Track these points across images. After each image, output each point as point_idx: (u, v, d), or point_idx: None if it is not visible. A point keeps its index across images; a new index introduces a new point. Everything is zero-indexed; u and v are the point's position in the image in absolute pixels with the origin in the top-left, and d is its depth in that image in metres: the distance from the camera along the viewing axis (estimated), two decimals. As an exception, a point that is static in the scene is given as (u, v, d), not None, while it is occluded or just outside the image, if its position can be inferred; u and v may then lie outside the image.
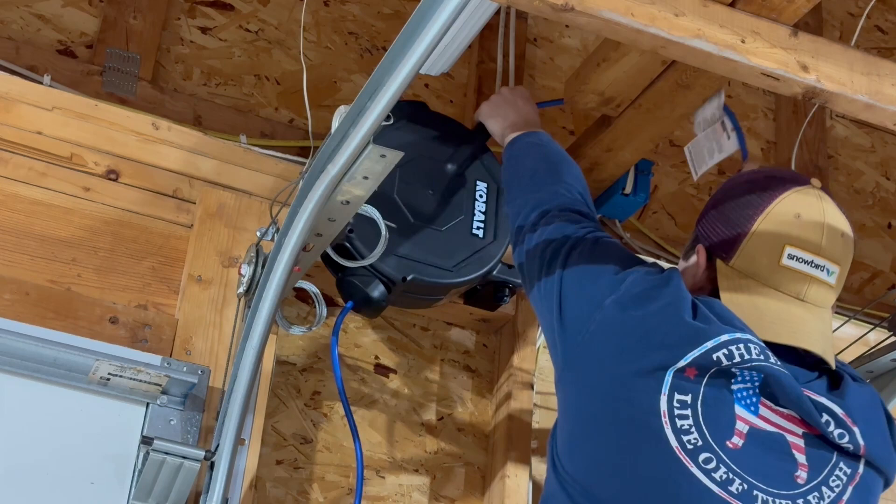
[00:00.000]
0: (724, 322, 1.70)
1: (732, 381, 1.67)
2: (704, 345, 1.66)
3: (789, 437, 1.68)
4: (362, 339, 2.46)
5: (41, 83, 2.33)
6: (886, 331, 2.27)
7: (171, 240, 2.26)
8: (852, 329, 2.47)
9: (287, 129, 2.63)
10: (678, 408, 1.64)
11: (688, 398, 1.65)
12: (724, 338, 1.67)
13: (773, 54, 1.94)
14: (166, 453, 1.95)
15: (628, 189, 2.67)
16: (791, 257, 1.74)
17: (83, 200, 2.22)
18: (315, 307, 2.31)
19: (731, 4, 1.95)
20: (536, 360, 2.49)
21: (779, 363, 1.69)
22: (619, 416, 1.66)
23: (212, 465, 2.01)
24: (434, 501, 2.39)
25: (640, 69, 2.37)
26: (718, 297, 1.76)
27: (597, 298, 1.74)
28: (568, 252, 1.84)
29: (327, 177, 1.83)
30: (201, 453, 1.97)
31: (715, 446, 1.64)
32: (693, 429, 1.64)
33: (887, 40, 3.45)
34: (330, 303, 2.42)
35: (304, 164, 2.36)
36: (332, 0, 2.81)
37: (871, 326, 2.50)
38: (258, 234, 2.12)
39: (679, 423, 1.64)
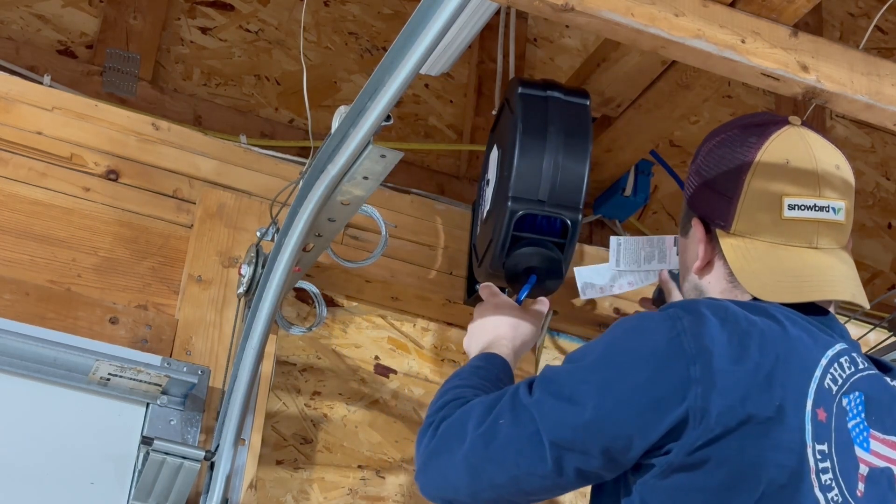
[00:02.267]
0: (798, 328, 1.50)
1: (847, 416, 1.49)
2: (814, 373, 1.47)
3: (895, 469, 1.52)
4: (362, 339, 2.46)
5: (41, 83, 2.33)
6: (886, 331, 2.27)
7: (171, 240, 2.26)
8: (852, 329, 2.46)
9: (287, 129, 2.63)
10: (820, 460, 1.45)
11: (825, 447, 1.45)
12: (829, 354, 1.49)
13: (773, 54, 1.94)
14: (166, 453, 1.95)
15: (628, 190, 2.68)
16: (792, 207, 1.59)
17: (83, 200, 2.22)
18: (315, 307, 2.31)
19: (731, 4, 1.95)
20: (536, 360, 2.49)
21: (865, 363, 1.53)
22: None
23: (212, 465, 2.01)
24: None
25: (640, 69, 2.37)
26: (727, 280, 1.61)
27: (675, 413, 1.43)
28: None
29: (327, 177, 1.83)
30: (201, 453, 1.97)
31: (851, 500, 1.46)
32: (833, 483, 1.46)
33: (887, 40, 3.45)
34: (330, 303, 2.42)
35: (304, 164, 2.36)
36: (332, 0, 2.81)
37: (871, 326, 2.50)
38: (258, 234, 2.12)
39: (823, 478, 1.45)
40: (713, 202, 1.64)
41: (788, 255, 1.58)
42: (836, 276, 1.58)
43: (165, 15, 2.62)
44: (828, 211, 1.60)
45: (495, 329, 1.95)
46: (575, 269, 2.42)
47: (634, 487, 1.46)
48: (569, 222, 2.23)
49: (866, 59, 1.99)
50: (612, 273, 2.43)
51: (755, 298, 1.58)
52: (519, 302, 2.21)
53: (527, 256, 2.21)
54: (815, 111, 3.15)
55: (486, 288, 2.08)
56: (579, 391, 1.47)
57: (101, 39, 2.53)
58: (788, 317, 1.52)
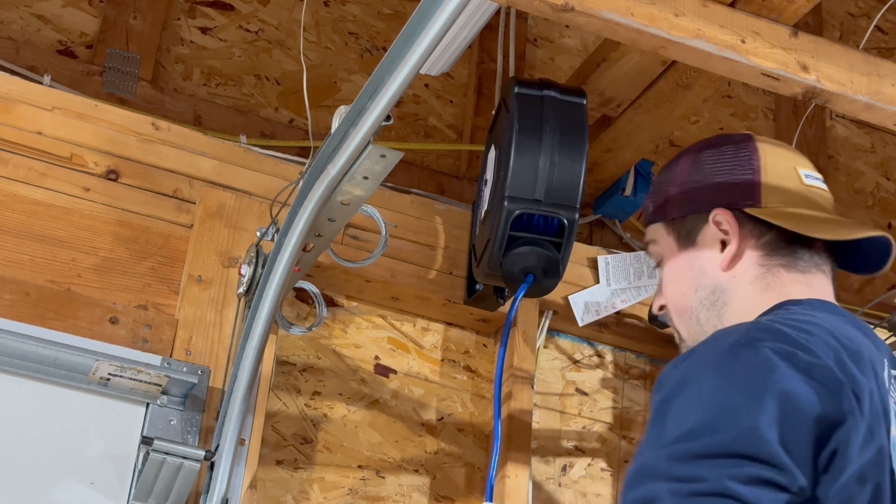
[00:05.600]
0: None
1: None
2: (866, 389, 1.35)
3: None
4: (362, 339, 2.46)
5: (41, 83, 2.33)
6: (886, 331, 2.27)
7: (171, 240, 2.26)
8: (852, 329, 2.46)
9: (287, 129, 2.63)
10: None
11: None
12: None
13: (773, 54, 1.94)
14: (166, 453, 1.95)
15: (628, 190, 2.68)
16: (807, 176, 1.61)
17: (83, 200, 2.22)
18: (315, 307, 2.31)
19: (731, 4, 1.95)
20: (536, 360, 2.49)
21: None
22: None
23: (212, 465, 2.01)
24: (434, 501, 2.39)
25: (640, 69, 2.37)
26: (760, 263, 1.53)
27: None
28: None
29: (327, 177, 1.83)
30: (201, 453, 1.97)
31: None
32: None
33: (887, 40, 3.45)
34: (330, 303, 2.42)
35: (304, 164, 2.36)
36: (332, 0, 2.81)
37: (871, 327, 2.50)
38: (258, 234, 2.12)
39: None
40: (732, 189, 1.58)
41: (822, 213, 1.59)
42: (863, 229, 1.58)
43: (165, 15, 2.62)
44: (825, 184, 1.64)
45: None
46: (569, 297, 2.43)
47: None
48: (565, 221, 2.23)
49: (866, 59, 1.99)
50: (605, 293, 2.45)
51: (797, 249, 1.54)
52: (516, 301, 2.21)
53: (523, 256, 2.21)
54: (814, 111, 3.15)
55: None
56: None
57: (101, 39, 2.53)
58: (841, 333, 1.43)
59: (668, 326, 2.50)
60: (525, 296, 2.19)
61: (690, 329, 1.58)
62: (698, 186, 1.61)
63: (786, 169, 1.60)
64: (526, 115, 2.24)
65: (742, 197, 1.57)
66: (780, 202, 1.57)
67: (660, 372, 1.41)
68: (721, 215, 1.56)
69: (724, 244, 1.56)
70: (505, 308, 2.44)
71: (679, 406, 1.31)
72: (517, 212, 2.20)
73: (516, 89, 2.27)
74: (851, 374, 1.33)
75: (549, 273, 2.21)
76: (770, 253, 1.55)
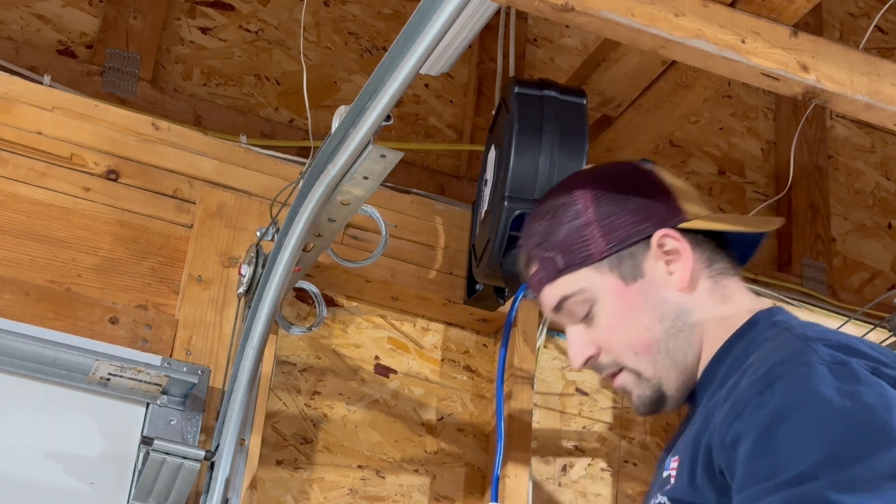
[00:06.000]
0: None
1: None
2: None
3: None
4: (362, 339, 2.46)
5: (41, 83, 2.33)
6: (886, 331, 2.27)
7: (171, 240, 2.26)
8: (852, 329, 2.47)
9: (287, 129, 2.63)
10: None
11: None
12: None
13: (773, 54, 1.94)
14: (166, 453, 1.95)
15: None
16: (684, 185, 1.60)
17: (83, 200, 2.22)
18: (315, 307, 2.31)
19: (731, 4, 1.95)
20: (536, 360, 2.49)
21: None
22: None
23: (212, 465, 2.01)
24: (434, 501, 2.39)
25: (640, 69, 2.37)
26: (707, 276, 1.50)
27: None
28: None
29: (327, 177, 1.83)
30: (201, 453, 1.97)
31: None
32: None
33: (887, 40, 3.45)
34: (330, 303, 2.42)
35: (304, 164, 2.36)
36: (332, 0, 2.81)
37: (871, 326, 2.50)
38: (258, 234, 2.12)
39: None
40: (656, 211, 1.52)
41: (733, 216, 1.57)
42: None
43: (165, 15, 2.62)
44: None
45: None
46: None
47: None
48: None
49: (866, 59, 1.99)
50: None
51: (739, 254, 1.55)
52: (516, 301, 2.22)
53: None
54: (814, 111, 3.15)
55: None
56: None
57: (101, 39, 2.53)
58: None
59: None
60: (524, 296, 2.19)
61: (657, 364, 1.49)
62: (617, 218, 1.52)
63: (677, 180, 1.57)
64: (526, 115, 2.24)
65: (670, 215, 1.53)
66: (696, 212, 1.54)
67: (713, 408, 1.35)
68: (665, 237, 1.51)
69: (668, 265, 1.51)
70: (505, 308, 2.44)
71: (791, 436, 1.23)
72: (517, 212, 2.20)
73: (516, 89, 2.27)
74: None
75: None
76: (710, 263, 1.53)
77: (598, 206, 1.53)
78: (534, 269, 1.56)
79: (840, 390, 1.25)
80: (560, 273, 1.53)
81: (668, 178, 1.58)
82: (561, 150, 2.23)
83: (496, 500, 2.23)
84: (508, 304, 2.43)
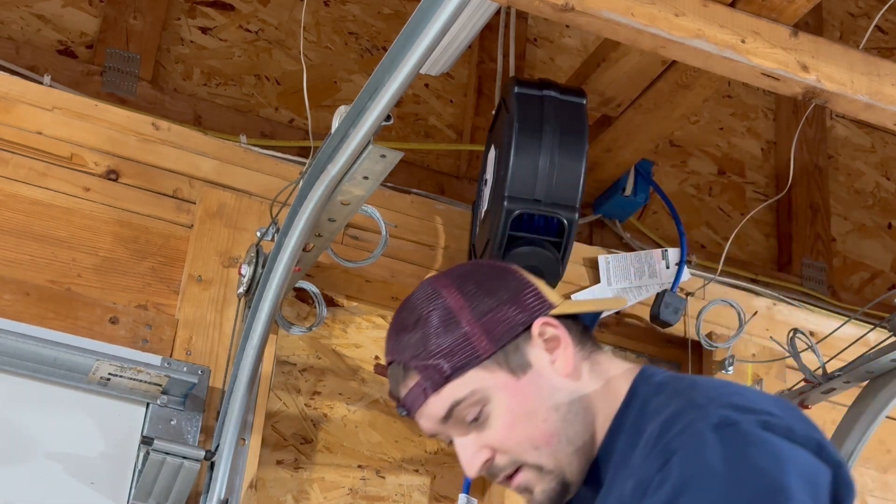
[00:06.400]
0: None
1: None
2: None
3: None
4: (362, 339, 2.46)
5: (41, 83, 2.33)
6: (886, 331, 2.27)
7: (171, 240, 2.26)
8: (852, 329, 2.47)
9: (287, 129, 2.63)
10: None
11: None
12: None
13: (773, 54, 1.94)
14: (166, 453, 1.95)
15: (628, 190, 2.68)
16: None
17: (83, 200, 2.22)
18: (315, 307, 2.31)
19: (731, 4, 1.95)
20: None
21: None
22: None
23: (212, 465, 2.01)
24: (434, 501, 2.39)
25: (640, 69, 2.37)
26: (583, 357, 1.50)
27: None
28: None
29: (327, 177, 1.83)
30: (201, 453, 1.97)
31: None
32: None
33: (887, 40, 3.45)
34: (330, 303, 2.42)
35: (304, 164, 2.36)
36: (332, 0, 2.81)
37: (871, 326, 2.50)
38: (258, 234, 2.12)
39: None
40: (527, 302, 1.50)
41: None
42: None
43: (165, 15, 2.62)
44: None
45: None
46: (571, 296, 2.43)
47: None
48: (565, 221, 2.23)
49: (866, 59, 1.99)
50: (605, 292, 2.45)
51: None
52: None
53: (523, 257, 2.21)
54: (814, 111, 3.15)
55: None
56: None
57: (101, 39, 2.53)
58: None
59: (670, 325, 2.51)
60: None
61: (558, 454, 1.46)
62: (494, 314, 1.48)
63: (526, 273, 1.55)
64: (526, 115, 2.24)
65: (539, 304, 1.50)
66: (556, 298, 1.52)
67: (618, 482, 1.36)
68: (546, 325, 1.48)
69: (550, 353, 1.48)
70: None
71: None
72: (517, 212, 2.20)
73: (516, 89, 2.27)
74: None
75: (548, 273, 2.22)
76: (582, 343, 1.51)
77: (472, 306, 1.48)
78: (413, 381, 1.48)
79: (731, 458, 1.25)
80: (448, 379, 1.46)
81: (521, 270, 1.56)
82: (561, 149, 2.23)
83: (468, 493, 2.23)
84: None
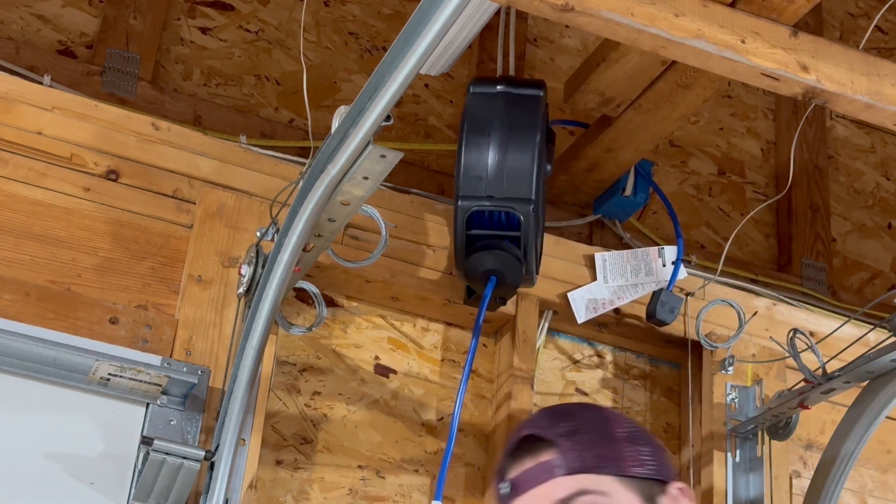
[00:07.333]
0: None
1: None
2: None
3: None
4: (362, 339, 2.46)
5: (41, 83, 2.33)
6: (886, 331, 2.27)
7: (171, 240, 2.26)
8: (852, 329, 2.46)
9: (287, 129, 2.63)
10: None
11: None
12: None
13: (773, 54, 1.94)
14: (166, 453, 1.95)
15: (628, 190, 2.68)
16: None
17: (83, 200, 2.22)
18: (315, 307, 2.31)
19: (731, 4, 1.95)
20: (536, 360, 2.49)
21: None
22: None
23: (212, 465, 2.01)
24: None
25: (640, 69, 2.37)
26: None
27: None
28: None
29: (327, 177, 1.83)
30: (201, 453, 1.97)
31: None
32: None
33: (887, 40, 3.45)
34: (330, 303, 2.42)
35: (304, 164, 2.36)
36: (332, 0, 2.81)
37: (871, 326, 2.50)
38: (258, 234, 2.12)
39: None
40: (667, 463, 1.60)
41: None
42: None
43: (165, 15, 2.62)
44: None
45: None
46: (568, 294, 2.44)
47: None
48: (520, 216, 2.23)
49: (866, 59, 2.00)
50: (602, 290, 2.45)
51: None
52: (484, 303, 2.23)
53: (483, 259, 2.24)
54: (814, 111, 3.15)
55: None
56: None
57: (101, 39, 2.53)
58: None
59: (666, 324, 2.51)
60: (492, 296, 2.23)
61: None
62: (648, 455, 1.55)
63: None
64: (476, 113, 2.28)
65: (672, 473, 1.58)
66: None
67: None
68: (682, 491, 1.55)
69: None
70: (506, 309, 2.44)
71: None
72: (471, 209, 2.22)
73: (471, 89, 2.31)
74: None
75: (510, 274, 2.23)
76: None
77: (630, 435, 1.56)
78: (547, 455, 1.50)
79: None
80: (587, 469, 1.49)
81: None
82: (510, 143, 2.24)
83: (440, 500, 2.24)
84: (510, 304, 2.44)
